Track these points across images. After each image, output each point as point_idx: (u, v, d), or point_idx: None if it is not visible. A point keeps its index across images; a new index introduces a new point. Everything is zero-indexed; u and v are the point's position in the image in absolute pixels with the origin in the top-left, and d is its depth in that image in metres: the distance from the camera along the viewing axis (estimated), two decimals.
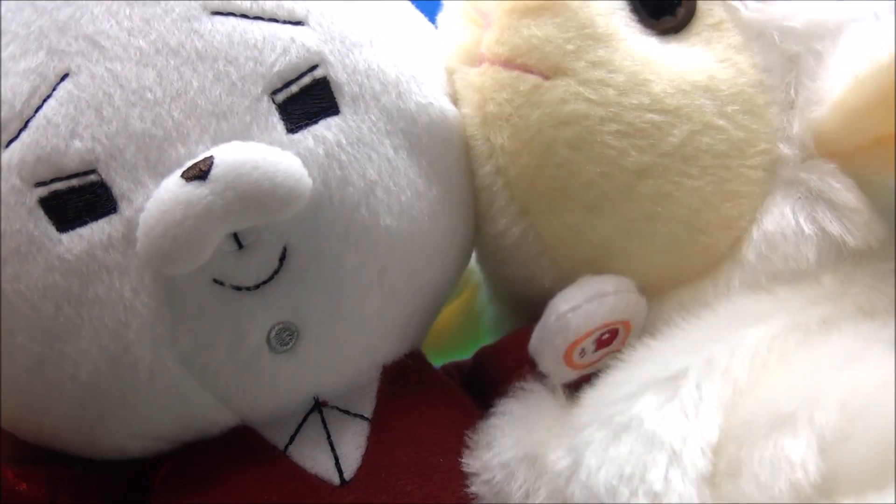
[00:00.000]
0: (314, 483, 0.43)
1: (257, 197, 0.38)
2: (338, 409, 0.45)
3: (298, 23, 0.42)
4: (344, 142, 0.41)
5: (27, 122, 0.39)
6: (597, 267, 0.45)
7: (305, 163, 0.40)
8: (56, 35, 0.40)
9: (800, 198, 0.44)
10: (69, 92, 0.39)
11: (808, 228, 0.43)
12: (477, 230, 0.48)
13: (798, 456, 0.35)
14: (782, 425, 0.36)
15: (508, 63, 0.45)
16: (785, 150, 0.44)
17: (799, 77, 0.44)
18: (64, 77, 0.39)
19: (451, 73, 0.47)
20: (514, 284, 0.50)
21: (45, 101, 0.39)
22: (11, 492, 0.42)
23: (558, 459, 0.42)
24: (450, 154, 0.45)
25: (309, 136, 0.41)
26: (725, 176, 0.44)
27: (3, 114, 0.39)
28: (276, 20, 0.42)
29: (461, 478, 0.44)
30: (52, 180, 0.39)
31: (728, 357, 0.41)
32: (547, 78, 0.44)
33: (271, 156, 0.39)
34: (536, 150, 0.44)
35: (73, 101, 0.39)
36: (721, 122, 0.43)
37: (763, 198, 0.44)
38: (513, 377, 0.46)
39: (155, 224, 0.38)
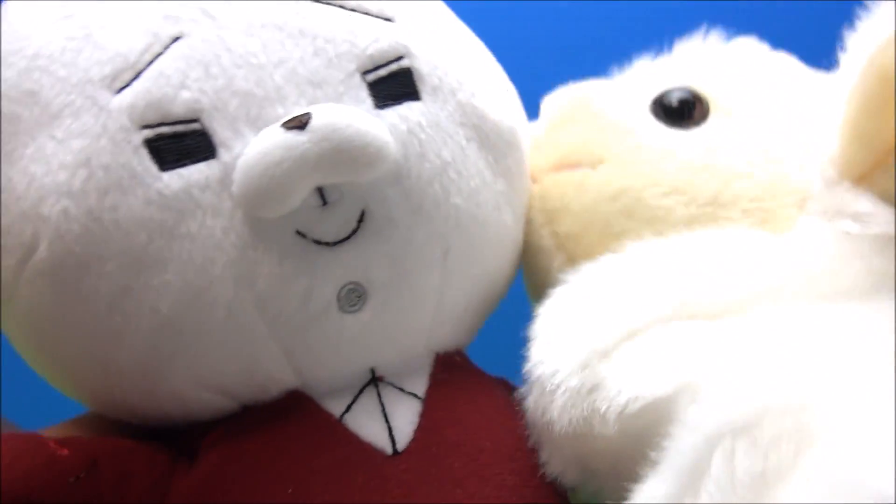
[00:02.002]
0: (368, 450, 0.44)
1: (349, 151, 0.41)
2: (393, 385, 0.46)
3: (388, 20, 0.47)
4: (424, 123, 0.45)
5: (140, 73, 0.42)
6: None
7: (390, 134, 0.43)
8: (172, 2, 0.44)
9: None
10: (181, 51, 0.43)
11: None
12: None
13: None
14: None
15: (558, 167, 0.52)
16: (813, 186, 0.47)
17: (809, 129, 0.49)
18: (177, 39, 0.43)
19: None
20: None
21: (157, 56, 0.42)
22: (52, 457, 0.42)
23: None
24: (512, 155, 0.49)
25: (394, 113, 0.44)
26: (763, 216, 0.48)
27: (118, 64, 0.42)
28: (369, 14, 0.46)
29: (505, 461, 0.46)
30: (159, 124, 0.42)
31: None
32: (593, 168, 0.50)
33: (364, 118, 0.42)
34: (597, 228, 0.50)
35: (184, 58, 0.42)
36: (749, 170, 0.48)
37: None
38: None
39: (255, 164, 0.40)
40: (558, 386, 0.42)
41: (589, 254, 0.48)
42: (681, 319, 0.43)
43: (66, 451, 0.42)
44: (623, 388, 0.41)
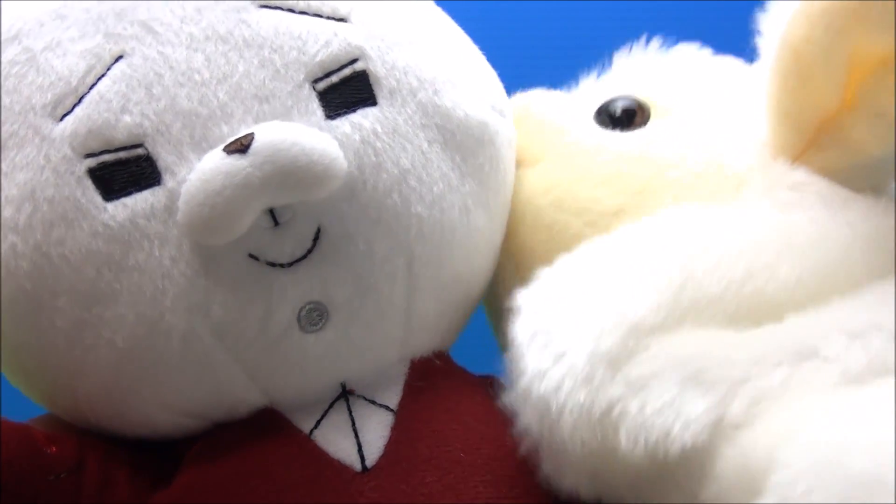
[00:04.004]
0: (336, 467, 0.43)
1: (294, 172, 0.39)
2: (364, 398, 0.46)
3: (342, 20, 0.44)
4: (380, 130, 0.43)
5: (82, 98, 0.41)
6: None
7: (341, 147, 0.41)
8: (113, 20, 0.42)
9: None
10: (122, 71, 0.41)
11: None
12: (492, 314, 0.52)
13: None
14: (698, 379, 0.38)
15: None
16: (748, 166, 0.46)
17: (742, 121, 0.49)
18: (118, 58, 0.42)
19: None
20: None
21: (99, 79, 0.41)
22: (37, 451, 0.42)
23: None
24: (483, 152, 0.47)
25: (346, 123, 0.43)
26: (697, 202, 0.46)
27: (60, 90, 0.41)
28: (320, 16, 0.44)
29: (481, 473, 0.44)
30: (102, 152, 0.41)
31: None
32: (532, 167, 0.51)
33: (310, 135, 0.40)
34: (529, 219, 0.50)
35: (126, 80, 0.41)
36: (683, 160, 0.47)
37: None
38: None
39: (196, 192, 0.39)
40: (564, 404, 0.39)
41: (522, 246, 0.50)
42: (687, 317, 0.40)
43: (53, 449, 0.43)
44: (653, 425, 0.37)
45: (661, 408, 0.37)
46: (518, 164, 0.51)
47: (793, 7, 0.42)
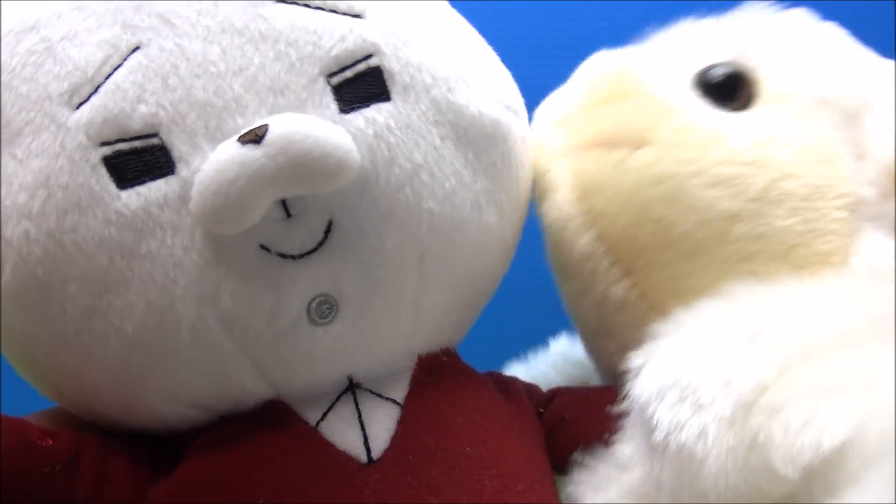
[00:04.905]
0: (342, 459, 0.44)
1: (307, 163, 0.40)
2: (370, 391, 0.46)
3: (357, 16, 0.45)
4: (393, 125, 0.43)
5: (98, 87, 0.42)
6: None
7: (355, 140, 0.42)
8: (131, 12, 0.43)
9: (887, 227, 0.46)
10: (139, 62, 0.42)
11: None
12: (577, 304, 0.52)
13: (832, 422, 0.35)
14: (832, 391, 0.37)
15: (595, 144, 0.50)
16: (866, 191, 0.46)
17: (862, 130, 0.47)
18: (135, 49, 0.42)
19: (544, 173, 0.51)
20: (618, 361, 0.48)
21: (115, 69, 0.42)
22: (31, 444, 0.43)
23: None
24: (496, 150, 0.47)
25: (360, 117, 0.43)
26: (812, 216, 0.46)
27: (76, 79, 0.42)
28: (336, 12, 0.44)
29: (486, 466, 0.45)
30: (117, 140, 0.41)
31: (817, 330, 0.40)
32: (634, 149, 0.48)
33: (323, 127, 0.41)
34: (634, 210, 0.47)
35: (142, 70, 0.42)
36: (799, 169, 0.46)
37: (853, 234, 0.46)
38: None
39: (209, 182, 0.40)
40: (710, 449, 0.38)
41: (623, 235, 0.48)
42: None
43: (49, 442, 0.43)
44: (802, 443, 0.36)
45: (805, 422, 0.36)
46: (615, 143, 0.49)
47: None
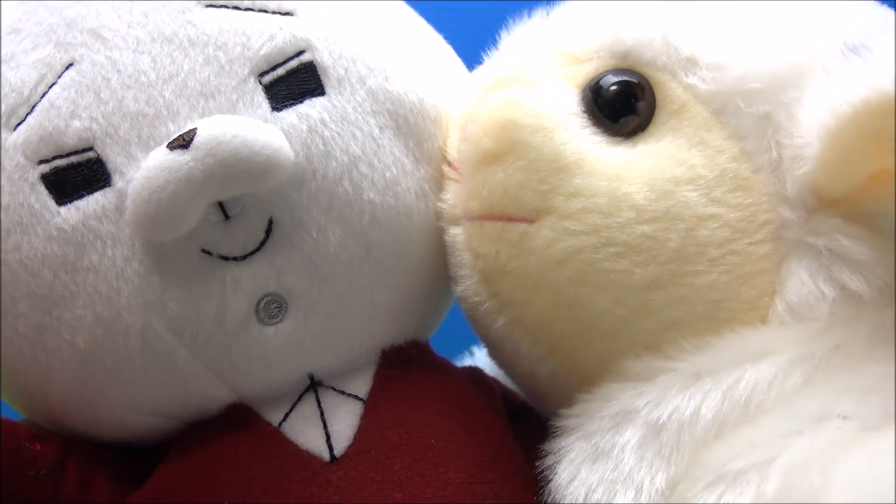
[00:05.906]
0: (304, 458, 0.43)
1: (236, 164, 0.40)
2: (333, 388, 0.45)
3: (288, 14, 0.45)
4: (328, 119, 0.43)
5: (34, 106, 0.42)
6: None
7: (288, 137, 0.42)
8: (63, 30, 0.43)
9: (814, 260, 0.41)
10: (72, 78, 0.42)
11: (829, 291, 0.41)
12: (509, 373, 0.50)
13: None
14: (732, 481, 0.37)
15: (488, 216, 0.44)
16: (786, 213, 0.41)
17: (776, 134, 0.41)
18: (69, 66, 0.43)
19: (445, 231, 0.47)
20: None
21: (50, 87, 0.42)
22: (21, 448, 0.44)
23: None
24: (440, 137, 0.47)
25: (293, 114, 0.43)
26: (735, 261, 0.42)
27: (12, 100, 0.43)
28: (266, 11, 0.44)
29: (453, 458, 0.44)
30: (54, 158, 0.42)
31: (719, 402, 0.40)
32: (531, 222, 0.43)
33: (251, 127, 0.41)
34: (544, 296, 0.43)
35: (75, 87, 0.42)
36: (713, 209, 0.41)
37: (779, 267, 0.42)
38: None
39: (141, 190, 0.40)
40: None
41: (537, 321, 0.44)
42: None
43: (37, 446, 0.45)
44: None
45: None
46: (508, 216, 0.43)
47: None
